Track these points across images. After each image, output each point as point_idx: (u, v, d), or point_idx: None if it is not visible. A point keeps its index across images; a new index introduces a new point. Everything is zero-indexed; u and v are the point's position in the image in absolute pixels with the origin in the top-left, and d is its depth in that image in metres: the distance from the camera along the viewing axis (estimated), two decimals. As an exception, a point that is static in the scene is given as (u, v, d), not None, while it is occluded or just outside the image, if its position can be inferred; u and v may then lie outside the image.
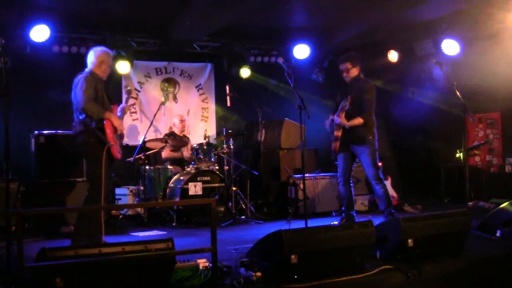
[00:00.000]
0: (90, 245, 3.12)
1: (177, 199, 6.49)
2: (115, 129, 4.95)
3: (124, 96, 8.31)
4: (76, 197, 6.36)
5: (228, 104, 7.56)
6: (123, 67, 7.74)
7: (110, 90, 8.06)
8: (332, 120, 5.96)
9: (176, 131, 7.78)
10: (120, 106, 5.30)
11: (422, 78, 8.57)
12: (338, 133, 5.89)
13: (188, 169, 7.01)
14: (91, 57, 5.08)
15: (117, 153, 4.94)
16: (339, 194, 6.24)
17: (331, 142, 6.01)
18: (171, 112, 8.58)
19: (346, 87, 6.02)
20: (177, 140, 7.45)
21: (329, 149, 6.13)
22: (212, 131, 8.90)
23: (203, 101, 9.03)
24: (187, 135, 8.07)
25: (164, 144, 7.11)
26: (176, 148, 7.57)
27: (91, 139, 4.85)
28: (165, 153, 7.55)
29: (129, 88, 6.08)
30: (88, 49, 7.38)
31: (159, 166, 7.10)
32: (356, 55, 6.09)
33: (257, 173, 7.64)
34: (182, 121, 7.82)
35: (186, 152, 7.58)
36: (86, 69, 5.06)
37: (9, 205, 3.81)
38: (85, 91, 4.79)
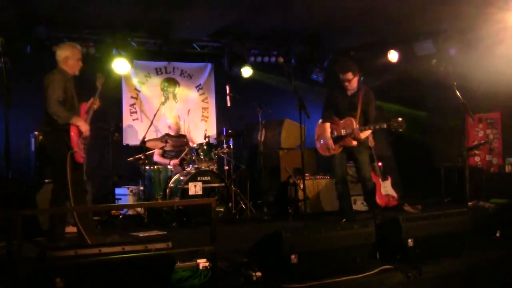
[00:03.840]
0: (90, 245, 3.11)
1: (177, 199, 6.49)
2: (80, 133, 4.85)
3: (125, 97, 8.39)
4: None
5: (228, 104, 7.56)
6: (123, 67, 7.74)
7: (110, 90, 8.18)
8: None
9: (172, 132, 7.74)
10: (88, 103, 5.15)
11: (422, 78, 8.57)
12: (333, 135, 5.97)
13: (188, 169, 7.01)
14: (56, 54, 4.96)
15: (80, 158, 4.83)
16: (339, 194, 6.20)
17: (324, 141, 6.03)
18: (171, 112, 8.57)
19: (344, 90, 6.00)
20: (175, 140, 7.43)
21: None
22: (212, 131, 8.90)
23: (203, 101, 9.03)
24: (185, 134, 8.06)
25: (164, 144, 7.10)
26: (175, 149, 7.57)
27: (56, 141, 4.76)
28: (156, 157, 7.55)
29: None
30: (88, 49, 7.53)
31: (159, 166, 7.10)
32: (354, 64, 6.03)
33: (257, 173, 7.66)
34: (176, 123, 7.78)
35: (175, 161, 7.40)
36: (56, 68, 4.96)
37: (9, 205, 3.81)
38: (53, 93, 4.68)
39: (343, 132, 5.92)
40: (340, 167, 6.03)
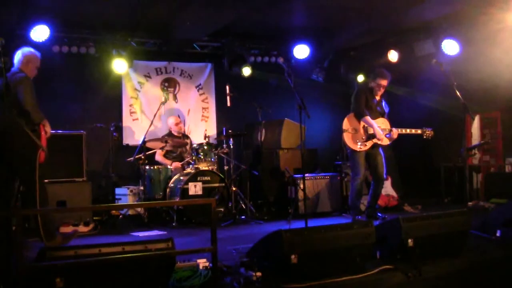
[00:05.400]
0: (90, 245, 3.12)
1: (177, 199, 6.49)
2: (45, 133, 4.96)
3: (125, 97, 8.38)
4: (76, 197, 6.36)
5: (228, 104, 7.56)
6: (122, 67, 7.74)
7: (110, 91, 8.18)
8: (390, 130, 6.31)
9: (174, 133, 7.76)
10: None
11: (422, 78, 8.57)
12: (368, 132, 6.24)
13: (188, 169, 7.01)
14: (18, 56, 5.05)
15: (43, 157, 4.89)
16: (359, 192, 6.34)
17: (363, 139, 6.23)
18: (171, 112, 8.57)
19: (372, 95, 6.39)
20: (176, 140, 7.44)
21: (329, 149, 6.20)
22: (212, 131, 8.90)
23: (203, 101, 9.03)
24: (187, 134, 8.08)
25: (164, 144, 7.10)
26: (176, 150, 7.57)
27: (24, 140, 4.73)
28: (158, 156, 7.56)
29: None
30: (88, 49, 7.53)
31: (159, 166, 7.11)
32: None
33: (257, 173, 7.65)
34: (177, 124, 7.79)
35: (176, 163, 7.37)
36: (14, 68, 5.00)
37: (9, 205, 3.81)
38: (30, 93, 4.80)
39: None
40: (364, 165, 6.29)
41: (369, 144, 6.23)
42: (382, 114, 6.42)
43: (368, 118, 6.22)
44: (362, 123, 6.24)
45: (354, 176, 6.34)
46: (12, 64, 5.32)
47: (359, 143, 6.20)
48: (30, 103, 4.76)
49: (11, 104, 4.66)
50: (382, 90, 6.40)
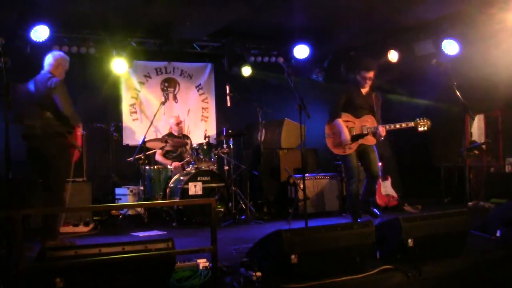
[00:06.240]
0: (90, 245, 3.12)
1: (177, 199, 6.50)
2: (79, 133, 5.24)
3: (125, 97, 8.38)
4: (76, 197, 6.36)
5: (228, 104, 7.56)
6: (122, 67, 7.74)
7: (110, 91, 8.18)
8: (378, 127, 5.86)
9: (174, 133, 7.76)
10: None
11: (422, 78, 8.56)
12: (352, 133, 5.88)
13: (188, 169, 7.01)
14: (49, 59, 5.20)
15: (77, 157, 5.26)
16: (357, 195, 6.04)
17: (340, 139, 5.87)
18: (171, 112, 8.58)
19: (359, 89, 6.00)
20: (176, 140, 7.44)
21: (329, 149, 6.13)
22: (212, 131, 8.90)
23: (203, 101, 9.03)
24: (188, 135, 8.08)
25: (164, 144, 7.10)
26: (176, 150, 7.56)
27: (60, 141, 4.99)
28: (157, 156, 7.55)
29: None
30: (88, 49, 7.53)
31: (159, 166, 7.11)
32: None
33: (257, 173, 7.65)
34: (178, 124, 7.78)
35: (176, 163, 7.37)
36: (43, 71, 5.16)
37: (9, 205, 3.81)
38: (68, 98, 4.99)
39: (364, 130, 5.90)
40: (357, 167, 6.01)
41: (354, 145, 5.88)
42: (370, 110, 5.97)
43: (337, 121, 5.84)
44: (346, 125, 5.89)
45: (348, 180, 6.04)
46: (10, 64, 5.36)
47: (344, 147, 5.87)
48: (68, 109, 4.96)
49: (48, 107, 4.93)
50: (369, 82, 5.96)
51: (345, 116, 5.95)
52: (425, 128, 5.85)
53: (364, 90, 6.02)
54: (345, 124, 5.88)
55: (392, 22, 7.51)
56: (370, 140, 5.94)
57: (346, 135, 5.81)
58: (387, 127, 5.85)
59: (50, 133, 4.94)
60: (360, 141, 5.91)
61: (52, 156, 4.95)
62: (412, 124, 5.86)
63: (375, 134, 5.88)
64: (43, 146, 4.95)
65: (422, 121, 5.84)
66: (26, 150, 5.00)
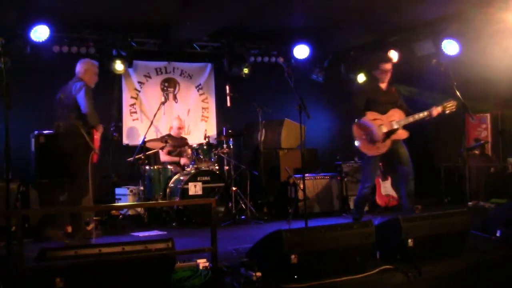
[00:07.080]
0: (90, 245, 3.12)
1: (177, 199, 6.50)
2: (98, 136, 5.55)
3: (125, 97, 8.38)
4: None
5: (228, 104, 7.56)
6: (122, 67, 7.74)
7: (110, 91, 8.18)
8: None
9: (173, 134, 7.75)
10: None
11: (422, 78, 8.57)
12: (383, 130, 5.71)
13: (188, 169, 7.01)
14: (78, 65, 5.68)
15: (95, 159, 5.47)
16: (365, 198, 5.97)
17: (373, 138, 5.66)
18: (171, 112, 8.58)
19: (378, 85, 5.90)
20: (176, 140, 7.44)
21: (329, 149, 6.12)
22: (212, 131, 8.90)
23: (203, 101, 9.03)
24: (185, 136, 8.09)
25: (164, 144, 7.10)
26: (175, 149, 7.57)
27: (80, 141, 5.34)
28: (163, 157, 7.56)
29: None
30: (88, 49, 7.53)
31: (159, 166, 7.10)
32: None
33: (257, 173, 7.65)
34: (180, 128, 7.78)
35: (185, 159, 7.45)
36: (75, 77, 5.59)
37: (9, 205, 3.81)
38: (89, 99, 5.37)
39: (394, 125, 5.73)
40: (375, 172, 5.99)
41: (388, 143, 5.68)
42: (394, 104, 5.83)
43: (364, 120, 5.67)
44: (375, 123, 5.69)
45: (363, 183, 5.88)
46: (10, 64, 5.47)
47: (378, 146, 5.67)
48: (88, 108, 5.35)
49: (72, 109, 5.39)
50: (388, 75, 5.86)
51: (371, 114, 5.74)
52: (454, 110, 5.69)
53: (383, 85, 5.92)
54: (376, 123, 5.70)
55: (392, 22, 7.51)
56: (402, 134, 5.77)
57: (378, 130, 5.64)
58: (411, 118, 5.72)
59: (71, 133, 5.34)
60: (393, 137, 5.73)
61: (71, 154, 5.38)
62: (439, 109, 5.71)
63: (431, 118, 5.73)
64: (65, 145, 5.40)
65: (449, 103, 5.71)
66: (50, 149, 5.57)
